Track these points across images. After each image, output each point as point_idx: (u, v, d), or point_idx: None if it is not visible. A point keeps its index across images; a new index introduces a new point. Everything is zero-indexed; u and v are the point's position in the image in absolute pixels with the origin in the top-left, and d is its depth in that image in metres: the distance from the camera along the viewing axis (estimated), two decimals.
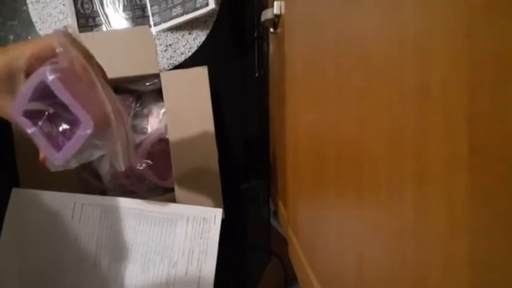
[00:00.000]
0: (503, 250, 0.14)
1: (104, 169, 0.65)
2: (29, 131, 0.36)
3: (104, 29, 0.77)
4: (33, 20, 0.77)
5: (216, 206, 0.63)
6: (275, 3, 0.62)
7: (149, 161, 0.64)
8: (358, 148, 0.29)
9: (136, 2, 0.77)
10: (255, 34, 0.80)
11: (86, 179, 0.65)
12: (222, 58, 0.80)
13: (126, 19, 0.77)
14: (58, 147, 0.36)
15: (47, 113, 0.36)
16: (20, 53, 0.36)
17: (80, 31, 0.76)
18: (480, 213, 0.15)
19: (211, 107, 0.63)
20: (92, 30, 0.77)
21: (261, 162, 0.82)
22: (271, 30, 0.70)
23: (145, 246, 0.57)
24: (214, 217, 0.58)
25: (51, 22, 0.77)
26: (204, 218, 0.57)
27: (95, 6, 0.77)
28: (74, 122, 0.36)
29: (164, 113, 0.68)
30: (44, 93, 0.35)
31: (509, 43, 0.13)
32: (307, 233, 0.50)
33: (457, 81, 0.16)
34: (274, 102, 0.76)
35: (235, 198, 0.79)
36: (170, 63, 0.77)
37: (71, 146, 0.36)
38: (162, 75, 0.64)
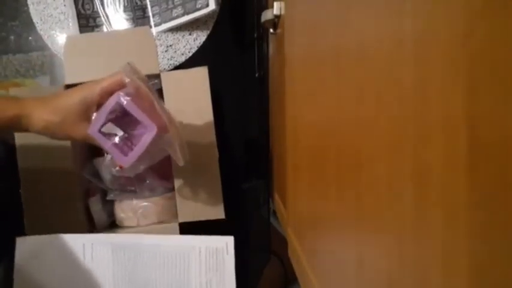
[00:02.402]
0: (503, 250, 0.14)
1: (105, 169, 0.65)
2: (106, 145, 0.47)
3: (105, 29, 0.77)
4: (34, 21, 0.77)
5: (216, 205, 0.63)
6: (275, 4, 0.62)
7: None
8: (358, 148, 0.29)
9: (136, 3, 0.77)
10: (255, 35, 0.80)
11: (88, 179, 0.65)
12: (222, 58, 0.80)
13: (127, 20, 0.77)
14: (125, 154, 0.47)
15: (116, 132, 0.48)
16: (92, 90, 0.48)
17: (81, 31, 0.76)
18: (480, 213, 0.15)
19: (211, 107, 0.63)
20: (92, 30, 0.77)
21: (261, 162, 0.82)
22: (271, 30, 0.70)
23: (161, 282, 0.56)
24: (227, 246, 0.57)
25: (52, 23, 0.77)
26: (216, 249, 0.57)
27: (95, 6, 0.77)
28: (136, 136, 0.48)
29: None
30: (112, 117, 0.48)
31: (508, 43, 0.13)
32: (307, 233, 0.50)
33: (456, 81, 0.16)
34: (274, 103, 0.76)
35: (235, 198, 0.79)
36: (170, 64, 0.77)
37: (137, 150, 0.46)
38: (162, 75, 0.64)
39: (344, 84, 0.32)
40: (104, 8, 0.77)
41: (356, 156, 0.29)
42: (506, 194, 0.13)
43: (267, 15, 0.66)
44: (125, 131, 0.50)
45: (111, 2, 0.77)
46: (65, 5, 0.77)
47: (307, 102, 0.46)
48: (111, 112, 0.47)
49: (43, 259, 0.55)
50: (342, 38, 0.32)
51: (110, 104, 0.46)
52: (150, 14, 0.77)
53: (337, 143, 0.34)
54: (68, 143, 0.61)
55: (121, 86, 0.48)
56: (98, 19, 0.77)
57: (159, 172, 0.66)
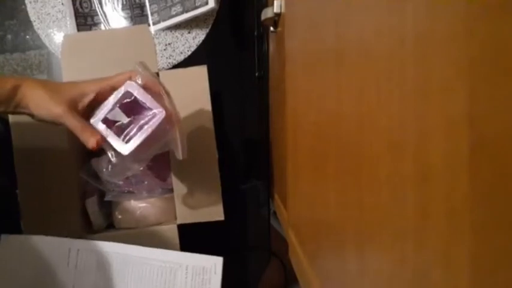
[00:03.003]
0: (503, 250, 0.14)
1: (103, 170, 0.65)
2: (106, 131, 0.47)
3: (103, 27, 0.77)
4: (32, 19, 0.76)
5: (216, 207, 0.62)
6: (275, 1, 0.62)
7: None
8: (359, 148, 0.29)
9: (135, 1, 0.77)
10: (255, 33, 0.80)
11: (85, 180, 0.65)
12: (222, 57, 0.80)
13: (125, 18, 0.77)
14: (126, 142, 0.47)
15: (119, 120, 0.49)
16: (97, 85, 0.48)
17: (79, 30, 0.76)
18: (480, 213, 0.15)
19: (210, 107, 0.63)
20: (90, 29, 0.77)
21: (261, 162, 0.82)
22: (272, 29, 0.70)
23: None
24: (215, 266, 0.56)
25: (50, 21, 0.77)
26: (203, 268, 0.56)
27: (93, 5, 0.77)
28: (140, 124, 0.48)
29: None
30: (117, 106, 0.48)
31: (509, 43, 0.13)
32: (307, 233, 0.50)
33: (457, 81, 0.16)
34: (275, 102, 0.76)
35: (235, 198, 0.78)
36: (169, 63, 0.77)
37: (140, 134, 0.47)
38: (161, 74, 0.64)
39: (345, 83, 0.31)
40: (101, 6, 0.76)
41: (357, 156, 0.29)
42: (507, 194, 0.13)
43: (267, 13, 0.65)
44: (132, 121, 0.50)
45: (109, 0, 0.76)
46: (62, 4, 0.76)
47: (308, 101, 0.45)
48: (118, 102, 0.47)
49: (25, 261, 0.53)
50: (342, 36, 0.32)
51: (120, 91, 0.47)
52: (149, 12, 0.76)
53: (337, 142, 0.34)
54: (65, 144, 0.61)
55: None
56: (95, 17, 0.77)
57: (158, 173, 0.66)
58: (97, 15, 0.77)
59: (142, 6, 0.77)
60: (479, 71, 0.14)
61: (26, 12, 0.76)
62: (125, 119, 0.49)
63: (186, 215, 0.62)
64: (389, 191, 0.24)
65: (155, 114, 0.47)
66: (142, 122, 0.48)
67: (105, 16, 0.77)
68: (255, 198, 0.81)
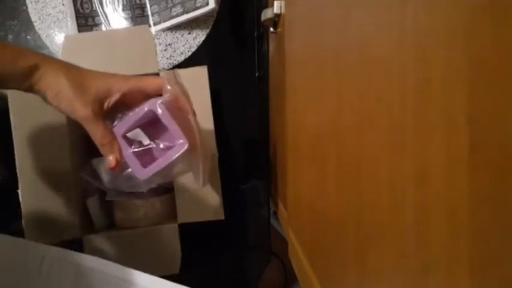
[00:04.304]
0: (503, 250, 0.14)
1: (103, 170, 0.65)
2: (125, 152, 0.43)
3: (103, 28, 0.77)
4: (33, 20, 0.76)
5: (216, 206, 0.62)
6: (275, 2, 0.62)
7: None
8: (359, 148, 0.29)
9: (135, 2, 0.77)
10: (255, 33, 0.80)
11: (86, 179, 0.65)
12: (222, 58, 0.80)
13: (126, 18, 0.77)
14: (144, 166, 0.43)
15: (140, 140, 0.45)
16: (126, 83, 0.44)
17: (79, 30, 0.76)
18: (480, 213, 0.15)
19: (211, 107, 0.63)
20: (91, 29, 0.77)
21: (261, 163, 0.82)
22: (271, 29, 0.70)
23: None
24: None
25: (51, 22, 0.77)
26: None
27: (94, 5, 0.77)
28: (161, 148, 0.45)
29: None
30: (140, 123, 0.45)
31: (509, 43, 0.13)
32: (307, 233, 0.50)
33: (457, 81, 0.16)
34: (274, 102, 0.76)
35: (235, 198, 0.78)
36: (170, 63, 0.77)
37: (159, 163, 0.43)
38: (161, 74, 0.64)
39: (345, 83, 0.31)
40: (102, 7, 0.77)
41: (357, 157, 0.29)
42: (506, 194, 0.13)
43: (267, 14, 0.65)
44: (150, 140, 0.47)
45: (110, 1, 0.77)
46: (63, 4, 0.76)
47: (308, 102, 0.45)
48: (141, 118, 0.44)
49: None
50: (342, 37, 0.32)
51: (143, 109, 0.43)
52: (149, 12, 0.76)
53: (337, 142, 0.34)
54: (66, 144, 0.61)
55: (159, 91, 0.45)
56: (96, 18, 0.77)
57: None
58: (98, 15, 0.77)
59: (143, 7, 0.77)
60: (479, 71, 0.14)
61: (27, 12, 0.76)
62: (145, 140, 0.46)
63: (187, 215, 0.63)
64: (389, 191, 0.24)
65: (175, 143, 0.43)
66: (163, 146, 0.44)
67: (106, 17, 0.77)
68: (255, 198, 0.81)
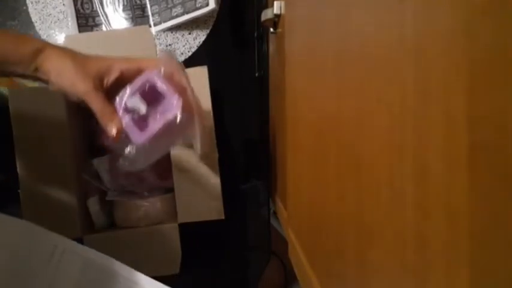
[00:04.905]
0: (503, 250, 0.14)
1: (104, 169, 0.65)
2: (124, 119, 0.45)
3: (104, 28, 0.77)
4: (33, 20, 0.76)
5: (216, 206, 0.62)
6: (275, 3, 0.62)
7: None
8: (359, 148, 0.29)
9: (136, 2, 0.77)
10: (255, 34, 0.80)
11: (86, 179, 0.65)
12: (222, 58, 0.80)
13: (126, 19, 0.77)
14: (142, 130, 0.45)
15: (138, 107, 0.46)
16: (127, 63, 0.47)
17: (80, 31, 0.76)
18: (480, 213, 0.15)
19: (211, 107, 0.63)
20: (91, 30, 0.77)
21: (261, 162, 0.82)
22: (271, 30, 0.70)
23: None
24: None
25: (51, 22, 0.77)
26: None
27: (94, 6, 0.77)
28: (157, 114, 0.46)
29: None
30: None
31: (509, 43, 0.13)
32: (307, 233, 0.50)
33: (457, 81, 0.16)
34: (275, 102, 0.76)
35: (235, 198, 0.78)
36: None
37: (156, 124, 0.45)
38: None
39: (344, 83, 0.31)
40: (103, 7, 0.77)
41: (356, 156, 0.29)
42: (506, 194, 0.13)
43: (267, 14, 0.65)
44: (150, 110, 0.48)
45: (110, 1, 0.77)
46: (63, 4, 0.76)
47: (308, 102, 0.46)
48: (138, 89, 0.46)
49: (4, 243, 0.46)
50: (342, 37, 0.32)
51: (141, 79, 0.46)
52: (150, 13, 0.76)
53: (337, 142, 0.34)
54: (67, 144, 0.61)
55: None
56: (97, 18, 0.77)
57: (159, 172, 0.66)
58: (98, 16, 0.77)
59: (143, 7, 0.77)
60: (479, 71, 0.14)
61: (28, 13, 0.76)
62: (143, 108, 0.47)
63: (187, 214, 0.63)
64: (389, 191, 0.24)
65: (173, 104, 0.45)
66: (160, 114, 0.46)
67: (107, 17, 0.77)
68: (255, 198, 0.81)
